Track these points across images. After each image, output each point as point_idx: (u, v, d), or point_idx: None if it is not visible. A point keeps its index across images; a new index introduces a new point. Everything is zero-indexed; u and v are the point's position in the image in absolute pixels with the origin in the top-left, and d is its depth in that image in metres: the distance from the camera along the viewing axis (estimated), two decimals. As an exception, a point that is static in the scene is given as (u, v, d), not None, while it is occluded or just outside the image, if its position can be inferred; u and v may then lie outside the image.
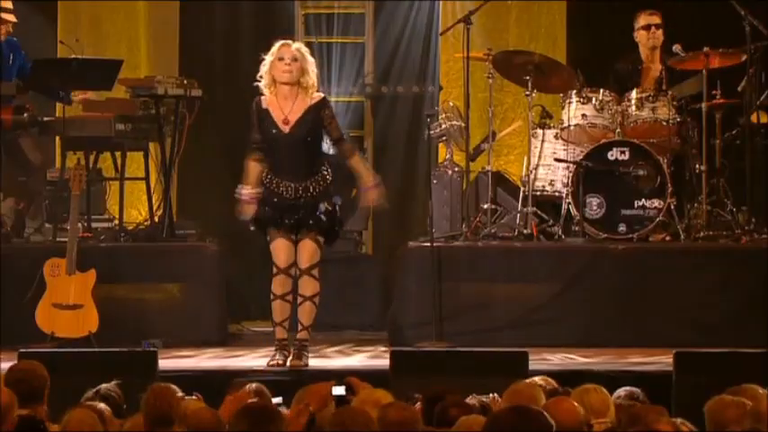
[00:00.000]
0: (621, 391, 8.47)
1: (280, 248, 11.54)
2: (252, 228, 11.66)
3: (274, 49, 11.43)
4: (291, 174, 11.48)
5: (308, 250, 11.51)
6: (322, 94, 11.63)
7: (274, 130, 11.44)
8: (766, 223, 13.41)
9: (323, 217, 11.50)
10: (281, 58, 11.39)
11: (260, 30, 15.25)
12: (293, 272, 11.57)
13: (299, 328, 11.64)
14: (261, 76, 11.47)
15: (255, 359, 12.20)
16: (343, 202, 11.89)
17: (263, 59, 11.43)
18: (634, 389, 8.57)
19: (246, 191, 11.51)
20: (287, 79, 11.38)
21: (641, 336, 12.49)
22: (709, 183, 13.46)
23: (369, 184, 11.68)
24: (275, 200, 11.47)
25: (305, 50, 11.53)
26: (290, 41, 11.57)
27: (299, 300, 11.61)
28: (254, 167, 11.55)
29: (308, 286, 11.55)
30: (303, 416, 7.89)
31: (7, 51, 13.59)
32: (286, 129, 11.43)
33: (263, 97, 11.53)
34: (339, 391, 8.20)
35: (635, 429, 6.96)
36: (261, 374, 10.91)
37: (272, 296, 11.57)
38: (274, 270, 11.54)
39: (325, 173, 11.54)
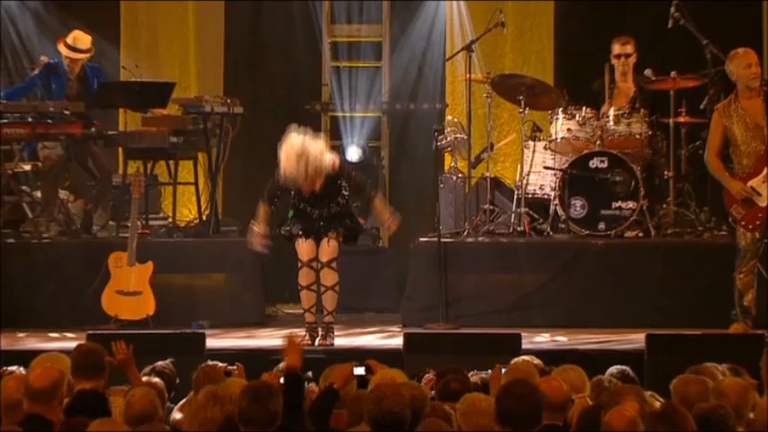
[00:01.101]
0: (614, 369, 8.48)
1: (302, 246, 11.59)
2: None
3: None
4: (316, 205, 11.54)
5: (330, 247, 11.53)
6: (336, 163, 11.50)
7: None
8: (724, 221, 13.37)
9: (342, 226, 11.60)
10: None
11: (291, 55, 15.30)
12: (315, 265, 11.59)
13: (325, 313, 11.68)
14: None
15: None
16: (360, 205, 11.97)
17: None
18: (624, 367, 8.56)
19: (258, 229, 11.61)
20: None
21: (618, 319, 12.41)
22: (675, 187, 13.41)
23: (387, 219, 11.72)
24: (302, 219, 11.57)
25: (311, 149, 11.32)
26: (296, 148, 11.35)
27: (323, 289, 11.63)
28: (265, 210, 11.63)
29: (329, 277, 11.58)
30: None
31: (92, 76, 13.54)
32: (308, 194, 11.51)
33: None
34: (360, 371, 8.19)
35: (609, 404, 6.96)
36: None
37: (299, 287, 11.62)
38: (299, 264, 11.58)
39: (345, 192, 11.59)
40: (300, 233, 11.57)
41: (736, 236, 11.91)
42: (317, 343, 11.59)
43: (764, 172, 11.63)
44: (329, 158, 11.43)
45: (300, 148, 11.29)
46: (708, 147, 11.94)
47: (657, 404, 7.22)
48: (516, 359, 8.37)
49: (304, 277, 11.61)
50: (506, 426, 6.10)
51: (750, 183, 11.67)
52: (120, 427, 6.44)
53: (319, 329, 11.67)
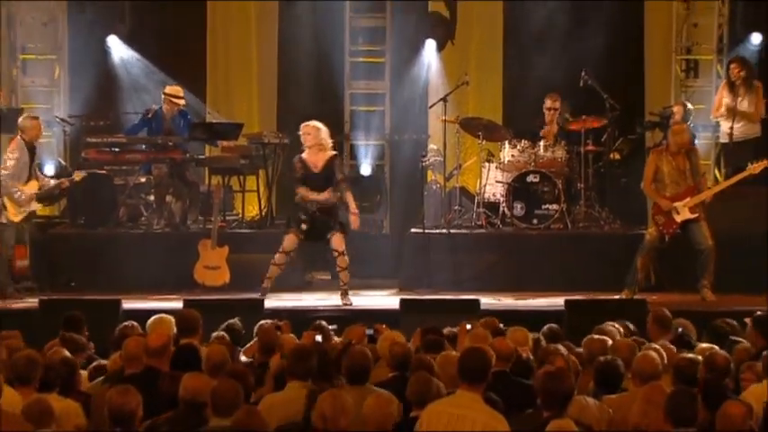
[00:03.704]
0: (546, 328, 8.42)
1: (290, 239, 11.58)
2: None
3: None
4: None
5: (338, 239, 11.52)
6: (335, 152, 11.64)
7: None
8: (619, 218, 13.39)
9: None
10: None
11: (323, 100, 14.98)
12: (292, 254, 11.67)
13: (342, 284, 11.66)
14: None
15: (316, 301, 12.09)
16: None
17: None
18: (554, 325, 8.51)
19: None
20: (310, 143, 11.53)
21: (546, 287, 12.25)
22: (585, 194, 13.36)
23: (354, 210, 11.62)
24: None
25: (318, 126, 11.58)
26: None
27: (338, 269, 11.67)
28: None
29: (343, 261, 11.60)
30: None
31: (180, 119, 13.49)
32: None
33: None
34: (370, 332, 8.23)
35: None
36: (323, 311, 10.94)
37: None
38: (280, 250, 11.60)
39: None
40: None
41: (647, 233, 11.81)
42: (341, 302, 11.54)
43: (686, 200, 11.59)
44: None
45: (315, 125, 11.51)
46: (645, 177, 11.81)
47: (573, 358, 7.25)
48: (477, 325, 8.22)
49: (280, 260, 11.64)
50: (465, 379, 6.08)
51: (675, 203, 11.61)
52: (202, 380, 6.31)
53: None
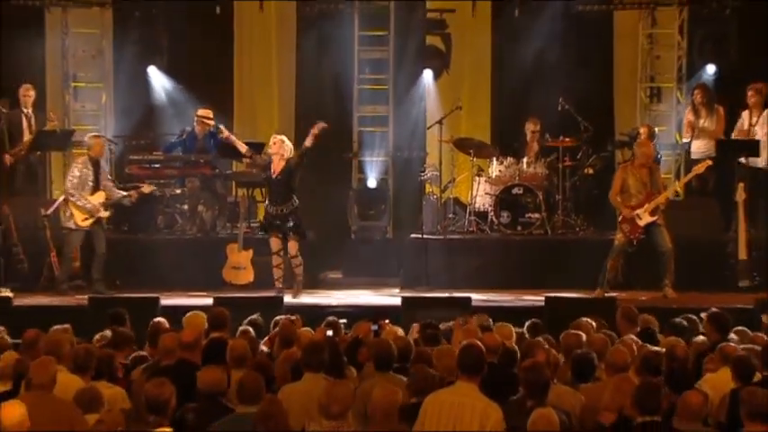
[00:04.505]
0: (529, 322, 8.43)
1: (274, 242, 11.70)
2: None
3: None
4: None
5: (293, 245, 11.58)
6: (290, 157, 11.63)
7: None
8: (592, 225, 13.38)
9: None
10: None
11: (335, 122, 14.60)
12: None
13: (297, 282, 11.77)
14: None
15: (328, 298, 12.00)
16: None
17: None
18: (537, 320, 8.52)
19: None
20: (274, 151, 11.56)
21: (529, 285, 12.23)
22: (562, 205, 13.37)
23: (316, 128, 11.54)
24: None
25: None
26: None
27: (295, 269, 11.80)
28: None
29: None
30: None
31: (210, 138, 13.48)
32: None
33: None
34: (374, 327, 8.21)
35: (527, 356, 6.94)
36: (334, 308, 10.86)
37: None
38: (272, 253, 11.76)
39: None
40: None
41: (616, 238, 11.74)
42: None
43: (645, 206, 11.56)
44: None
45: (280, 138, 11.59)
46: (612, 189, 11.75)
47: (554, 351, 7.23)
48: (469, 321, 8.23)
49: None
50: (464, 371, 6.07)
51: (636, 211, 11.58)
52: (216, 373, 6.30)
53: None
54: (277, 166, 11.63)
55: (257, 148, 13.43)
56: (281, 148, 11.64)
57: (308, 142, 11.55)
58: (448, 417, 5.76)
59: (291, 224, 11.61)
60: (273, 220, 11.61)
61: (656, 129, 13.88)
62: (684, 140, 13.68)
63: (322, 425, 5.64)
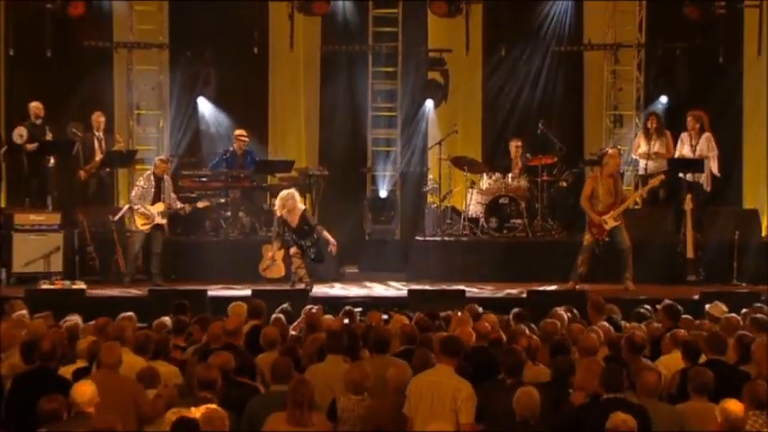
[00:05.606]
0: (515, 309, 8.28)
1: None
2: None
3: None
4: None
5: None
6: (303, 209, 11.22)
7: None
8: (566, 230, 13.29)
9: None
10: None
11: (352, 141, 14.89)
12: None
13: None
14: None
15: (346, 290, 11.91)
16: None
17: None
18: (521, 309, 8.29)
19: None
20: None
21: (513, 280, 12.13)
22: (541, 212, 13.30)
23: (332, 242, 11.10)
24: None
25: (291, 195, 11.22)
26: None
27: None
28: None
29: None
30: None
31: (248, 156, 13.45)
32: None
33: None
34: (385, 317, 8.17)
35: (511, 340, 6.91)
36: (351, 299, 10.72)
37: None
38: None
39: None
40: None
41: (585, 239, 11.63)
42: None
43: (610, 213, 11.50)
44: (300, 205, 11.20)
45: (286, 194, 11.18)
46: (583, 195, 11.62)
47: (534, 336, 7.18)
48: (462, 310, 8.15)
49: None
50: (444, 354, 6.07)
51: (603, 216, 11.52)
52: (226, 357, 6.24)
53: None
54: (293, 220, 11.24)
55: (287, 164, 13.52)
56: (294, 204, 11.15)
57: (326, 235, 11.15)
58: (428, 393, 5.84)
59: (313, 257, 11.32)
60: (296, 242, 11.40)
61: (619, 148, 13.83)
62: (633, 156, 13.66)
63: (350, 399, 5.79)
